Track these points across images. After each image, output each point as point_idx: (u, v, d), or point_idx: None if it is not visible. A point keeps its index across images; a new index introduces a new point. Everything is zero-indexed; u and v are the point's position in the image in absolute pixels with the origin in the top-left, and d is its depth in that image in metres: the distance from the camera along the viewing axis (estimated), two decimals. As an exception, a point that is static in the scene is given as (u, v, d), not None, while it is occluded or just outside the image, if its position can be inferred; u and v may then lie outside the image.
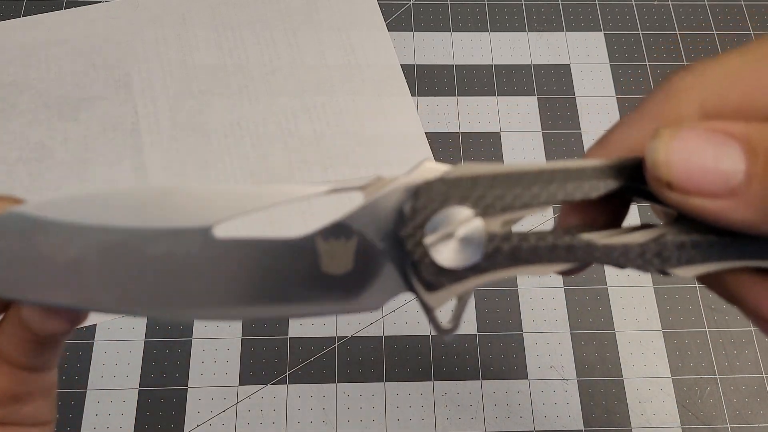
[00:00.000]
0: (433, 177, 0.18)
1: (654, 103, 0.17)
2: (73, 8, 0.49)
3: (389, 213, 0.18)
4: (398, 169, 0.44)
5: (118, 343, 0.39)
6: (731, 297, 0.17)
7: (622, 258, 0.18)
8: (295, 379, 0.39)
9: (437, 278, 0.18)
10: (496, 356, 0.40)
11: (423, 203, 0.18)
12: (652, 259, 0.18)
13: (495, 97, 0.47)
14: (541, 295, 0.41)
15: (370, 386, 0.39)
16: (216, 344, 0.39)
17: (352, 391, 0.38)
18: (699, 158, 0.14)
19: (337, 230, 0.18)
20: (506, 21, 0.50)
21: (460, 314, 0.18)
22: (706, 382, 0.39)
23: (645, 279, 0.42)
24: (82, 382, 0.38)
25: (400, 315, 0.40)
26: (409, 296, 0.41)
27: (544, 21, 0.50)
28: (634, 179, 0.17)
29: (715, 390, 0.39)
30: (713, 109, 0.16)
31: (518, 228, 0.18)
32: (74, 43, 0.48)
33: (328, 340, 0.40)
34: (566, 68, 0.49)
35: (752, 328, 0.41)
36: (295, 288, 0.18)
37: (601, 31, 0.50)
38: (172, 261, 0.17)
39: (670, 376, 0.39)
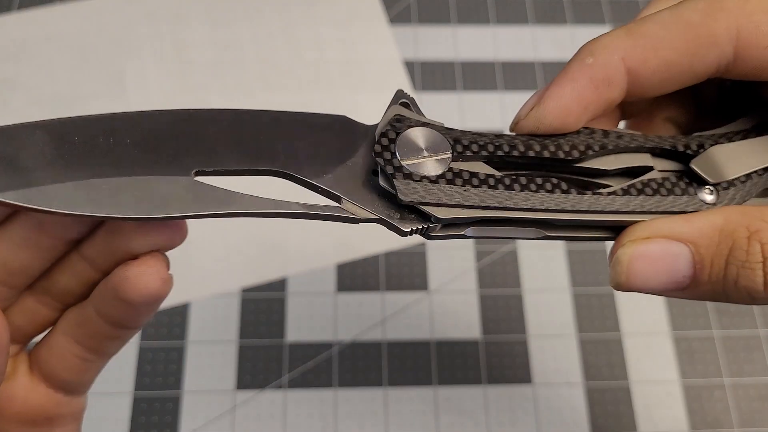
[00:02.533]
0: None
1: (581, 60, 0.19)
2: (66, 3, 0.48)
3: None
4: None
5: (111, 347, 0.39)
6: None
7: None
8: (294, 385, 0.38)
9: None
10: (501, 361, 0.39)
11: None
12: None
13: (499, 93, 0.47)
14: (547, 298, 0.41)
15: (370, 392, 0.38)
16: (212, 348, 0.39)
17: (351, 397, 0.38)
18: (655, 278, 0.18)
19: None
20: (510, 14, 0.50)
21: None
22: (714, 386, 0.39)
23: (652, 280, 0.41)
24: (74, 387, 0.38)
25: (401, 319, 0.40)
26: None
27: (549, 14, 0.50)
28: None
29: (723, 394, 0.38)
30: (633, 67, 0.19)
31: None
32: (67, 38, 0.47)
33: (327, 345, 0.39)
34: (571, 64, 0.48)
35: (761, 331, 0.40)
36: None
37: (607, 24, 0.49)
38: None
39: (678, 380, 0.39)
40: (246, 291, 0.40)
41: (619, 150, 0.20)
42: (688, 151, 0.20)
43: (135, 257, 0.19)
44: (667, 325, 0.40)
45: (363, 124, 0.20)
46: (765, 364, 0.39)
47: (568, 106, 0.19)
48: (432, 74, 0.47)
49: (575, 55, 0.20)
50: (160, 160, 0.18)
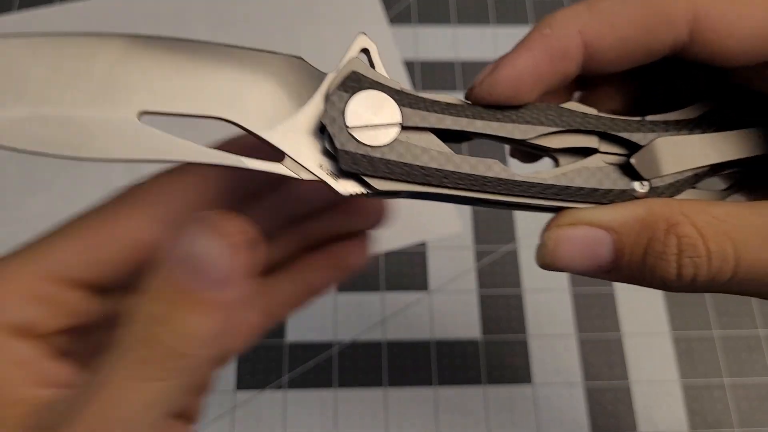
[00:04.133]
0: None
1: (539, 31, 0.20)
2: (67, 3, 0.48)
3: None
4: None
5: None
6: None
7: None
8: (294, 385, 0.38)
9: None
10: (500, 361, 0.39)
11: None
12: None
13: (498, 94, 0.47)
14: (547, 298, 0.41)
15: (370, 392, 0.38)
16: (212, 348, 0.39)
17: (351, 397, 0.38)
18: (579, 261, 0.19)
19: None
20: (510, 14, 0.50)
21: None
22: (714, 386, 0.39)
23: (652, 280, 0.41)
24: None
25: (401, 320, 0.40)
26: (409, 297, 0.40)
27: (549, 14, 0.50)
28: None
29: (723, 394, 0.38)
30: (590, 41, 0.19)
31: None
32: (67, 38, 0.47)
33: (327, 345, 0.39)
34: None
35: (761, 332, 0.40)
36: None
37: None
38: None
39: (678, 379, 0.39)
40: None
41: (568, 130, 0.20)
42: (634, 140, 0.20)
43: (352, 235, 0.23)
44: (667, 325, 0.40)
45: (320, 72, 0.19)
46: (765, 364, 0.39)
47: (521, 76, 0.19)
48: (432, 74, 0.47)
49: (535, 26, 0.20)
50: (105, 99, 0.17)
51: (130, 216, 0.19)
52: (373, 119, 0.18)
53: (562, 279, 0.41)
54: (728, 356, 0.39)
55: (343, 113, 0.18)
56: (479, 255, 0.42)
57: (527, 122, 0.20)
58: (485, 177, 0.19)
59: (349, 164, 0.18)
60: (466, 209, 0.43)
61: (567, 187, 0.19)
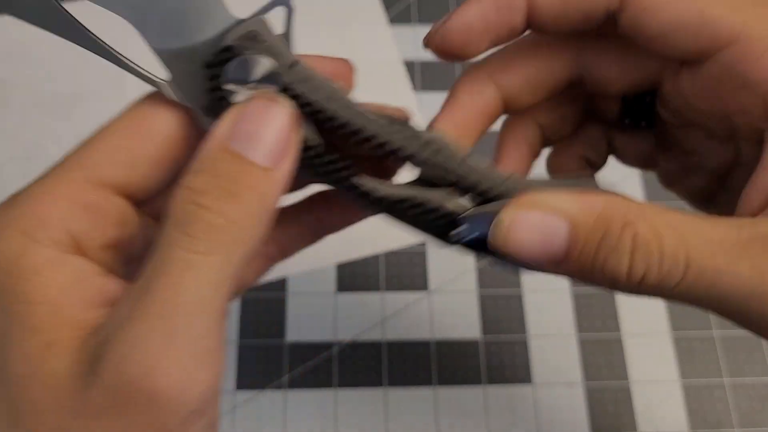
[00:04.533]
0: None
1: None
2: (66, 3, 0.48)
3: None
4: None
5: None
6: None
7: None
8: (293, 385, 0.38)
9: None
10: (500, 361, 0.39)
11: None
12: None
13: (498, 94, 0.47)
14: (547, 298, 0.41)
15: (370, 392, 0.38)
16: (212, 348, 0.39)
17: (351, 397, 0.38)
18: (531, 246, 0.18)
19: None
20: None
21: None
22: (714, 386, 0.39)
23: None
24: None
25: (401, 320, 0.40)
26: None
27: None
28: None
29: (723, 394, 0.39)
30: None
31: None
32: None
33: (327, 345, 0.39)
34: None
35: (762, 331, 0.40)
36: None
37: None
38: None
39: (678, 379, 0.39)
40: (246, 291, 0.40)
41: (423, 180, 0.20)
42: (479, 195, 0.20)
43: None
44: (667, 325, 0.40)
45: (229, 15, 0.19)
46: (765, 364, 0.39)
47: (470, 24, 0.22)
48: (432, 74, 0.47)
49: None
50: None
51: (159, 114, 0.19)
52: (249, 85, 0.19)
53: (561, 279, 0.41)
54: (728, 356, 0.39)
55: (225, 68, 0.18)
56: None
57: (395, 150, 0.20)
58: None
59: (212, 115, 0.18)
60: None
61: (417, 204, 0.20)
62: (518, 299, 0.41)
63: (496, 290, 0.41)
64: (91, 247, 0.19)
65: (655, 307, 0.41)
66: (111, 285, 0.18)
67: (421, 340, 0.40)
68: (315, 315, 0.40)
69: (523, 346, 0.40)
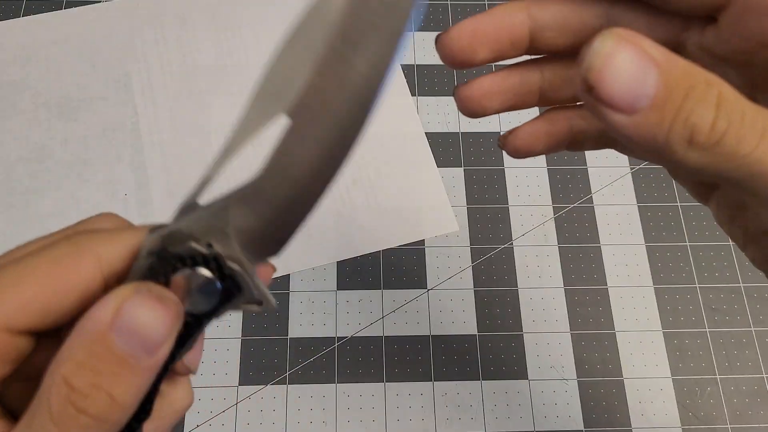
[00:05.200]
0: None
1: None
2: (73, 8, 0.49)
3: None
4: (398, 169, 0.44)
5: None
6: None
7: None
8: (295, 380, 0.39)
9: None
10: (496, 356, 0.40)
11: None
12: None
13: (495, 97, 0.47)
14: (542, 295, 0.41)
15: (369, 387, 0.39)
16: (216, 344, 0.39)
17: (351, 392, 0.38)
18: (626, 79, 0.17)
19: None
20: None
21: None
22: (706, 382, 0.39)
23: (645, 279, 0.42)
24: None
25: (400, 315, 0.40)
26: (405, 296, 0.41)
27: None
28: None
29: (715, 390, 0.39)
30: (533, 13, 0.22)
31: None
32: (74, 43, 0.48)
33: (328, 341, 0.40)
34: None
35: (753, 329, 0.41)
36: None
37: (601, 30, 0.50)
38: None
39: (670, 376, 0.39)
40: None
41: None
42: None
43: None
44: (659, 322, 0.41)
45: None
46: (756, 361, 0.40)
47: (475, 31, 0.23)
48: (429, 78, 0.48)
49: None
50: None
51: (81, 263, 0.19)
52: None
53: (556, 277, 0.42)
54: (720, 353, 0.40)
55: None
56: (476, 253, 0.42)
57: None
58: None
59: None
60: (463, 209, 0.43)
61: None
62: (514, 296, 0.41)
63: (491, 288, 0.41)
64: None
65: (648, 304, 0.41)
66: None
67: (420, 336, 0.40)
68: (316, 312, 0.40)
69: (519, 342, 0.40)
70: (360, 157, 0.45)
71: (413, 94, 0.47)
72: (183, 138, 0.45)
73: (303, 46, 0.18)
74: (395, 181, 0.44)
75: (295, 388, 0.38)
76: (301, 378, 0.39)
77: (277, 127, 0.17)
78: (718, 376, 0.39)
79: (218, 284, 0.19)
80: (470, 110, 0.24)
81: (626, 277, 0.42)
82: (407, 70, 0.48)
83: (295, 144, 0.17)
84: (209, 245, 0.18)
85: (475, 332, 0.40)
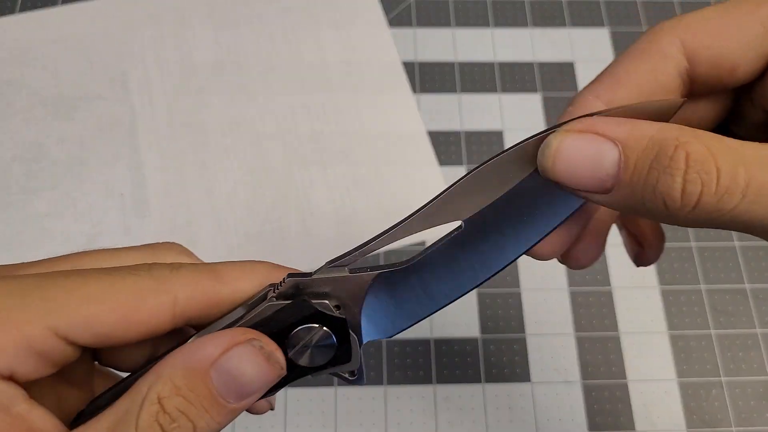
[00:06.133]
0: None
1: (643, 43, 0.21)
2: (70, 5, 0.49)
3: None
4: (399, 168, 0.44)
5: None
6: None
7: None
8: (294, 383, 0.38)
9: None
10: (499, 359, 0.39)
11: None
12: None
13: (498, 95, 0.47)
14: (545, 297, 0.41)
15: (370, 390, 0.38)
16: (214, 347, 0.39)
17: (351, 395, 0.38)
18: (580, 170, 0.18)
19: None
20: (509, 16, 0.50)
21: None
22: (711, 384, 0.39)
23: (650, 280, 0.42)
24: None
25: (401, 317, 0.40)
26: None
27: (548, 16, 0.50)
28: None
29: (720, 392, 0.39)
30: (691, 50, 0.21)
31: None
32: (71, 40, 0.47)
33: (328, 343, 0.39)
34: (570, 66, 0.48)
35: (758, 330, 0.40)
36: None
37: (605, 27, 0.50)
38: None
39: (675, 378, 0.39)
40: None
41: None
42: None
43: None
44: (664, 323, 0.40)
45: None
46: (762, 363, 0.39)
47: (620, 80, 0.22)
48: (431, 76, 0.47)
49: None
50: None
51: (159, 302, 0.19)
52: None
53: (560, 278, 0.41)
54: (725, 355, 0.39)
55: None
56: (478, 254, 0.42)
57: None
58: None
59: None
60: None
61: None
62: (517, 298, 0.41)
63: (494, 289, 0.41)
64: (27, 379, 0.19)
65: (653, 306, 0.41)
66: (35, 413, 0.18)
67: (421, 339, 0.40)
68: (316, 314, 0.40)
69: (522, 344, 0.40)
70: (359, 155, 0.44)
71: (414, 92, 0.47)
72: (181, 137, 0.45)
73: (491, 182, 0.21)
74: (396, 181, 0.44)
75: (294, 391, 0.38)
76: (300, 382, 0.38)
77: (446, 228, 0.20)
78: (723, 378, 0.39)
79: (335, 348, 0.20)
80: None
81: (630, 278, 0.42)
82: (408, 67, 0.47)
83: (456, 247, 0.21)
84: (338, 307, 0.20)
85: (478, 335, 0.40)
